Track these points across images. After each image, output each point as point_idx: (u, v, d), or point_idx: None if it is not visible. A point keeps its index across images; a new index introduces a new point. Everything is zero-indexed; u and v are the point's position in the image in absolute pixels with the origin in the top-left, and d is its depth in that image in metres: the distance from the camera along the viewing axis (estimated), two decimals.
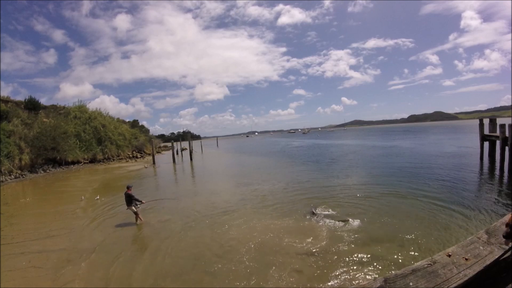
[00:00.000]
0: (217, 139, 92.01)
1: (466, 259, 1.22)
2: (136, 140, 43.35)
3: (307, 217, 8.74)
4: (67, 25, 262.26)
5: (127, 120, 56.21)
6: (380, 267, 5.47)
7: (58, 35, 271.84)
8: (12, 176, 22.78)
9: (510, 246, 1.27)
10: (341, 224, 7.92)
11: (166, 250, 7.07)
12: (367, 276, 5.14)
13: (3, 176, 21.89)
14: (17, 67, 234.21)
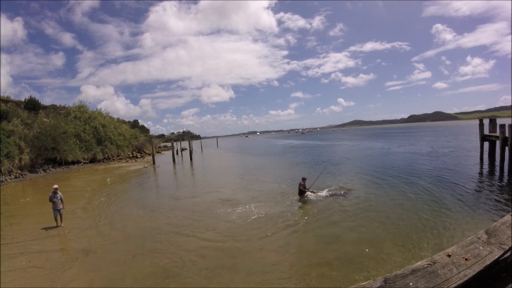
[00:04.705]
0: (217, 139, 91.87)
1: (466, 259, 1.22)
2: (136, 140, 43.32)
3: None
4: (76, 29, 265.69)
5: (127, 120, 56.27)
6: (379, 266, 5.47)
7: (67, 38, 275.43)
8: (12, 176, 22.75)
9: (510, 246, 1.27)
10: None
11: (165, 251, 7.08)
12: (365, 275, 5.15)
13: (3, 176, 21.86)
14: (27, 68, 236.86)
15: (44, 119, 31.33)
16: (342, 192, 11.34)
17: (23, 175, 23.84)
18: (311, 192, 11.02)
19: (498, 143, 14.58)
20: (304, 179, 11.12)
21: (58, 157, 28.67)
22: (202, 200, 12.31)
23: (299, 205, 10.19)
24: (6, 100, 29.93)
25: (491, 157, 16.21)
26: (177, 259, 6.55)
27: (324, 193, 11.38)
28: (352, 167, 19.05)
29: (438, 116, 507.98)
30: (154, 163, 30.27)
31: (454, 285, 1.12)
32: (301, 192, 10.87)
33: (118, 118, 47.25)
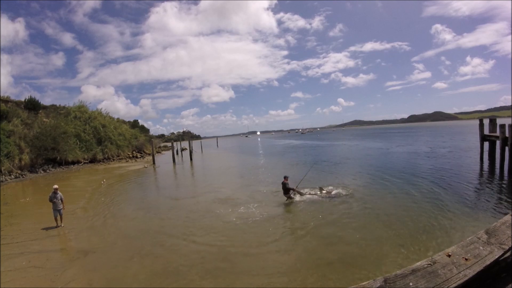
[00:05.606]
0: (217, 139, 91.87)
1: (466, 259, 1.22)
2: (136, 140, 43.34)
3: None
4: (76, 30, 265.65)
5: (127, 120, 56.31)
6: (379, 266, 5.47)
7: (68, 39, 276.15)
8: (12, 176, 22.76)
9: (510, 246, 1.27)
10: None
11: (164, 251, 7.08)
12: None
13: (3, 176, 21.87)
14: (27, 68, 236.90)
15: (44, 119, 31.35)
16: (343, 193, 11.30)
17: (23, 175, 23.84)
18: (296, 191, 10.99)
19: (498, 143, 14.58)
20: (286, 178, 11.06)
21: (58, 157, 28.68)
22: (202, 200, 12.31)
23: (299, 205, 10.18)
24: (6, 100, 29.95)
25: (491, 157, 16.22)
26: (177, 259, 6.55)
27: (313, 192, 11.39)
28: (352, 166, 19.04)
29: (438, 116, 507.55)
30: (154, 163, 30.28)
31: (454, 285, 1.12)
32: (286, 191, 10.86)
33: (118, 118, 47.38)
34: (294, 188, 11.02)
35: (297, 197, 10.88)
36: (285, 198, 10.82)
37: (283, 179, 11.08)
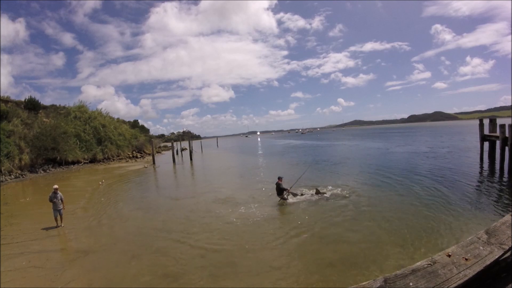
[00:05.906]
0: (217, 139, 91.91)
1: (466, 259, 1.22)
2: (136, 140, 43.33)
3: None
4: (76, 30, 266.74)
5: (127, 120, 56.33)
6: (379, 266, 5.47)
7: (68, 39, 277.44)
8: (12, 176, 22.75)
9: (510, 246, 1.27)
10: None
11: (165, 251, 7.08)
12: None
13: (3, 176, 21.86)
14: (27, 68, 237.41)
15: (44, 119, 31.36)
16: (342, 193, 11.29)
17: (23, 175, 23.84)
18: (289, 192, 10.94)
19: (498, 143, 14.58)
20: (280, 178, 11.01)
21: (58, 157, 28.67)
22: (202, 200, 12.31)
23: (300, 206, 10.17)
24: (6, 100, 29.96)
25: (491, 157, 16.21)
26: (177, 259, 6.55)
27: (309, 192, 11.36)
28: (352, 166, 19.04)
29: (438, 116, 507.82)
30: (154, 163, 30.28)
31: (454, 285, 1.12)
32: (280, 192, 10.82)
33: (118, 118, 47.39)
34: (288, 189, 10.98)
35: (291, 199, 10.81)
36: (279, 199, 10.79)
37: (277, 180, 11.07)
